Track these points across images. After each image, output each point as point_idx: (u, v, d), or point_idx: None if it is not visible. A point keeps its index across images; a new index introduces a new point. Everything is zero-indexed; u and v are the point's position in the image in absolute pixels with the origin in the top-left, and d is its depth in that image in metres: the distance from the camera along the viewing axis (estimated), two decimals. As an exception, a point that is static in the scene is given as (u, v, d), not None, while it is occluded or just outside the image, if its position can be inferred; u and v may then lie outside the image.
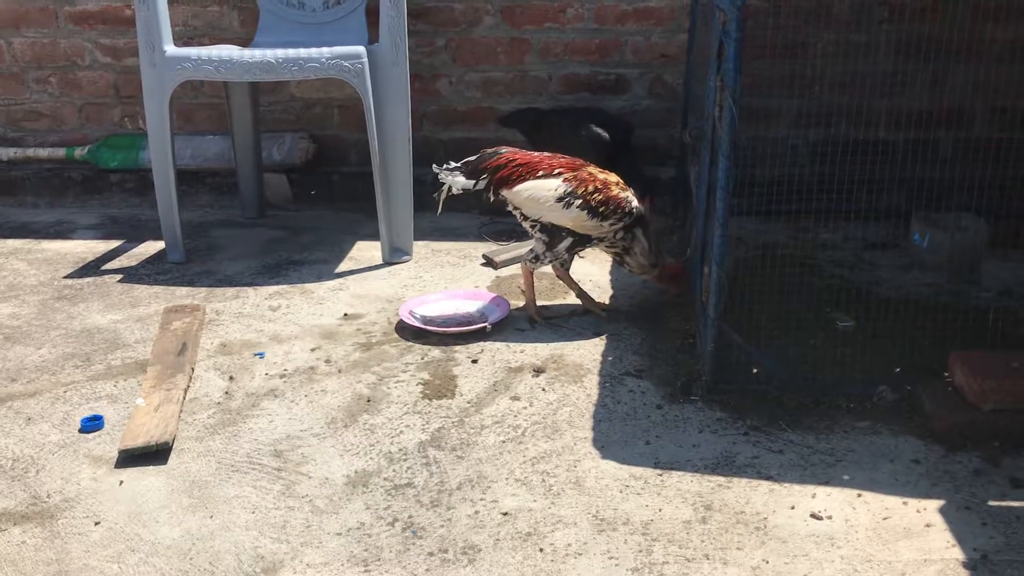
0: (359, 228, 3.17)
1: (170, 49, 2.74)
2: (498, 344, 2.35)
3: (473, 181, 2.47)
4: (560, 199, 2.40)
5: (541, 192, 2.42)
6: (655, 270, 2.51)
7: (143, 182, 3.39)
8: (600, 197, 2.41)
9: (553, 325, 2.45)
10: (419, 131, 3.27)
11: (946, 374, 2.04)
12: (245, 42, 3.15)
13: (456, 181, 2.47)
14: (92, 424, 2.00)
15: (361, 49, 2.72)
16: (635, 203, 2.45)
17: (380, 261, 2.89)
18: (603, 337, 2.38)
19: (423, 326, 2.41)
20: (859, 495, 1.75)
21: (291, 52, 2.70)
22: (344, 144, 3.48)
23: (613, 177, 2.48)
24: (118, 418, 2.03)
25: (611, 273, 2.79)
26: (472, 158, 2.51)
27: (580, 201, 2.39)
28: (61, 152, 3.52)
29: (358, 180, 3.35)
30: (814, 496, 1.74)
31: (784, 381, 2.08)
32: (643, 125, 3.30)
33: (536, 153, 2.53)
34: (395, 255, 2.90)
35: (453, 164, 2.49)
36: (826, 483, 1.78)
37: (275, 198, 3.42)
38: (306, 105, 3.46)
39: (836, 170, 2.73)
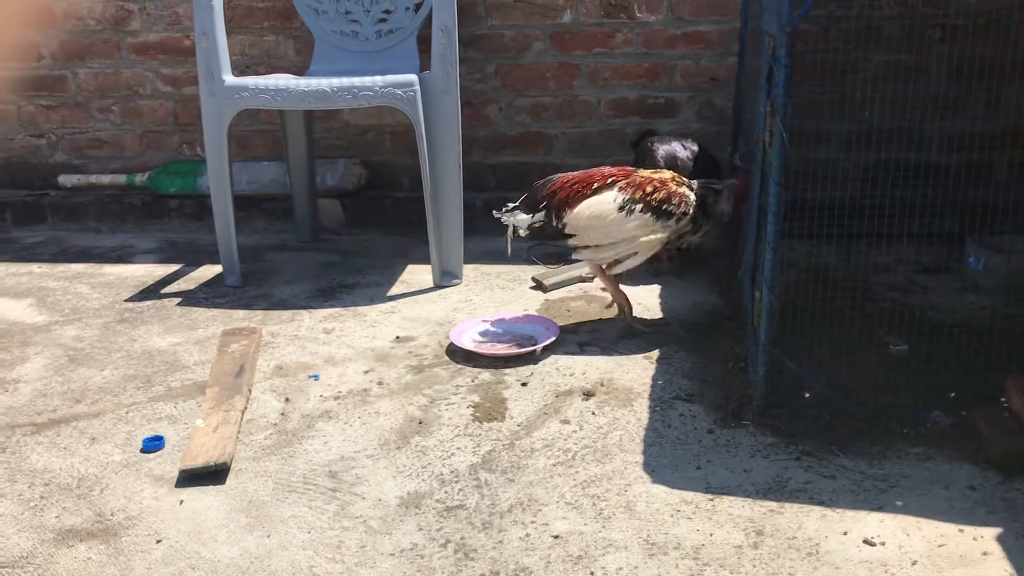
0: (410, 252, 3.22)
1: (229, 79, 2.82)
2: (547, 367, 2.37)
3: (531, 214, 2.49)
4: (621, 207, 2.42)
5: (602, 206, 2.43)
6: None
7: (201, 207, 3.48)
8: (661, 195, 2.43)
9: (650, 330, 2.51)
10: (469, 156, 3.32)
11: (1002, 399, 2.01)
12: (300, 70, 3.23)
13: (518, 220, 2.51)
14: (153, 444, 2.06)
15: (413, 77, 2.77)
16: (693, 196, 2.46)
17: (431, 284, 2.93)
18: (653, 361, 2.39)
19: (474, 349, 2.44)
20: (913, 521, 1.73)
21: (345, 81, 2.76)
22: (396, 169, 3.54)
23: (668, 174, 2.51)
24: (178, 438, 2.09)
25: (660, 296, 2.80)
26: (527, 194, 2.54)
27: (641, 205, 2.42)
28: (122, 179, 3.63)
29: (409, 205, 3.41)
30: (867, 522, 1.73)
31: (836, 406, 2.06)
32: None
33: (589, 170, 2.55)
34: (445, 278, 2.94)
35: (511, 204, 2.52)
36: (879, 509, 1.77)
37: (329, 223, 3.48)
38: (358, 131, 3.53)
39: (889, 193, 2.71)
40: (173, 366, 2.44)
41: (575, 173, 2.54)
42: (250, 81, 2.83)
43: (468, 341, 2.47)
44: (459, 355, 2.44)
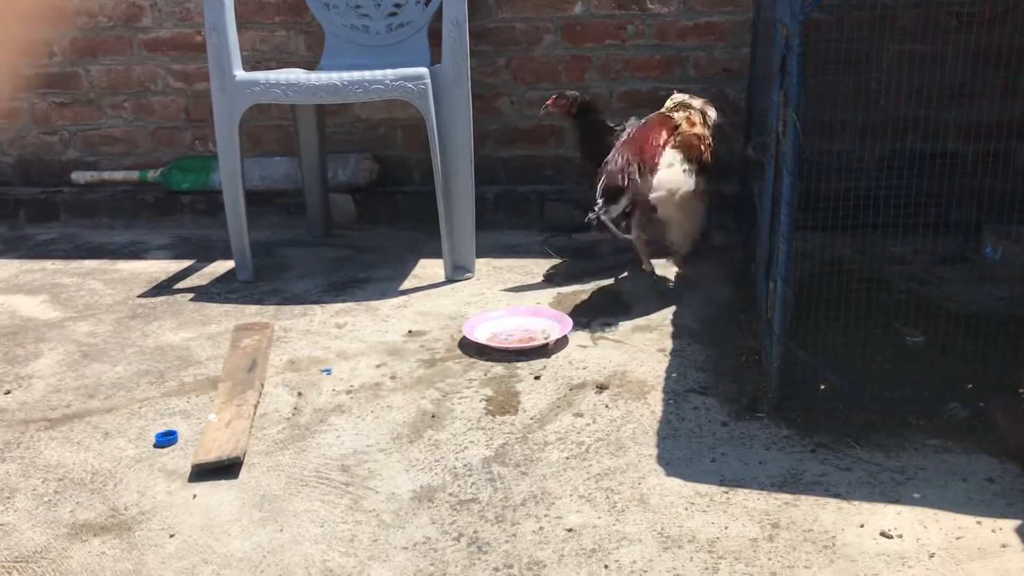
0: (422, 246, 3.21)
1: (240, 74, 2.81)
2: (560, 361, 2.36)
3: (618, 203, 2.45)
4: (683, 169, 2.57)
5: (672, 170, 2.57)
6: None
7: (213, 203, 3.48)
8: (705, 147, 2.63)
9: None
10: (480, 150, 3.31)
11: (1020, 390, 1.99)
12: (311, 65, 3.23)
13: (612, 214, 2.43)
14: (166, 439, 2.06)
15: (424, 70, 2.76)
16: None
17: (443, 279, 2.93)
18: (666, 353, 2.38)
19: (486, 343, 2.43)
20: (931, 514, 1.71)
21: (356, 75, 2.76)
22: (407, 164, 3.53)
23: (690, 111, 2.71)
24: (191, 433, 2.09)
25: (673, 288, 2.78)
26: (602, 188, 2.47)
27: (697, 164, 2.60)
28: (134, 175, 3.64)
29: (421, 199, 3.40)
30: (884, 514, 1.71)
31: (852, 398, 2.04)
32: (705, 140, 3.28)
33: (631, 138, 2.63)
34: (457, 273, 2.93)
35: (598, 205, 2.42)
36: (896, 501, 1.75)
37: (341, 218, 3.48)
38: (370, 126, 3.53)
39: (905, 183, 2.68)
40: (186, 361, 2.44)
41: (624, 147, 2.56)
42: (261, 76, 2.83)
43: (481, 335, 2.47)
44: (471, 349, 2.44)
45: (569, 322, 2.49)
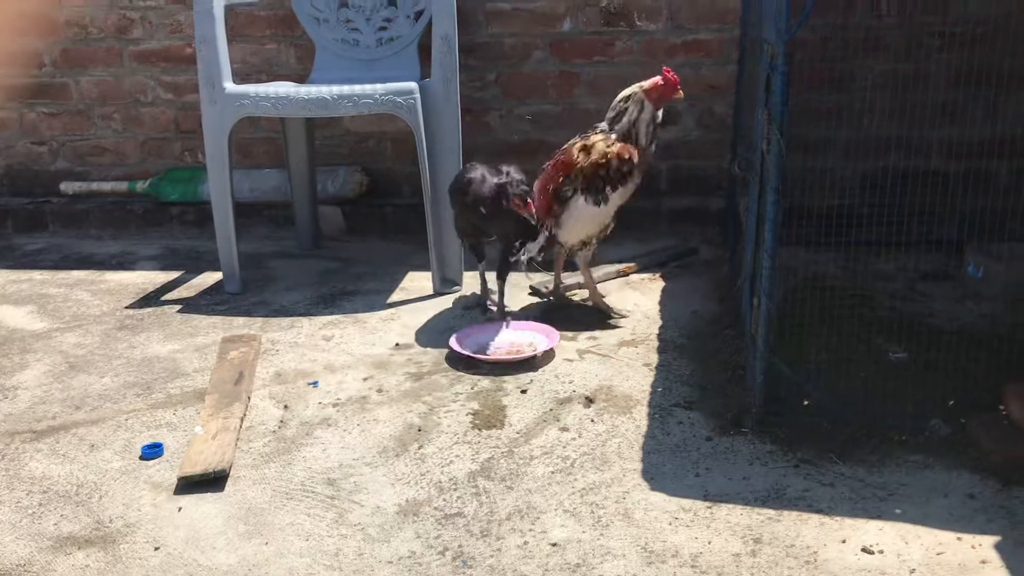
0: (410, 259, 3.22)
1: (229, 86, 2.83)
2: (547, 375, 2.37)
3: (538, 240, 2.64)
4: (596, 203, 2.58)
5: (580, 210, 2.61)
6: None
7: (202, 214, 3.49)
8: (614, 165, 2.56)
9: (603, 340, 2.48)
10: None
11: (1001, 407, 2.01)
12: (301, 78, 3.24)
13: (531, 250, 2.65)
14: (152, 451, 2.06)
15: (413, 85, 2.78)
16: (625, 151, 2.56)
17: (431, 291, 2.94)
18: (652, 367, 2.39)
19: (472, 355, 2.44)
20: (912, 529, 1.73)
21: (346, 88, 2.77)
22: (396, 177, 3.55)
23: (599, 140, 2.59)
24: (177, 446, 2.09)
25: (661, 304, 2.80)
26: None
27: (610, 188, 2.57)
28: (124, 186, 3.64)
29: (410, 212, 3.41)
30: (866, 530, 1.73)
31: (835, 413, 2.06)
32: (693, 156, 3.32)
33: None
34: (445, 286, 2.94)
35: (515, 247, 2.64)
36: (878, 517, 1.76)
37: (329, 230, 3.49)
38: (359, 139, 3.54)
39: (888, 200, 2.71)
40: (173, 373, 2.44)
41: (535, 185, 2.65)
42: (251, 89, 2.84)
43: (468, 348, 2.48)
44: (459, 362, 2.45)
45: (556, 334, 2.51)
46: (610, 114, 2.62)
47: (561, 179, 2.60)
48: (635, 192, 2.64)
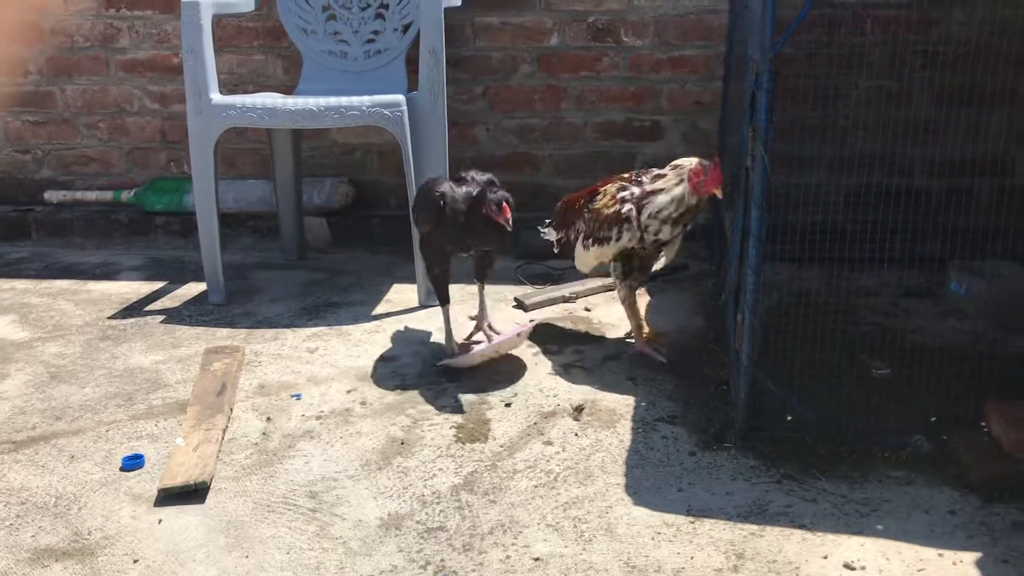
0: (396, 271, 3.22)
1: (216, 97, 2.82)
2: (531, 388, 2.37)
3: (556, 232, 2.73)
4: (584, 245, 2.57)
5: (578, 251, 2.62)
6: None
7: (187, 225, 3.47)
8: (597, 224, 2.49)
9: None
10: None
11: (983, 424, 2.02)
12: (288, 89, 3.24)
13: (550, 235, 2.77)
14: (133, 463, 2.04)
15: (400, 97, 2.78)
16: (631, 208, 2.41)
17: (416, 304, 2.93)
18: (636, 382, 2.39)
19: (452, 363, 2.46)
20: (893, 546, 1.73)
21: (332, 100, 2.77)
22: (383, 189, 3.55)
23: (611, 190, 2.49)
24: (158, 457, 2.07)
25: (645, 318, 2.80)
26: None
27: (591, 239, 2.52)
28: (108, 195, 3.62)
29: (396, 224, 3.41)
30: (848, 546, 1.73)
31: (818, 429, 2.07)
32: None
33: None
34: (431, 298, 2.93)
35: (548, 220, 2.76)
36: (860, 533, 1.77)
37: (315, 241, 3.48)
38: (346, 151, 3.54)
39: (872, 217, 2.72)
40: (155, 384, 2.43)
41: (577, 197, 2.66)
42: (237, 99, 2.83)
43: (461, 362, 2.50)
44: (444, 375, 2.44)
45: (529, 326, 2.57)
46: (658, 171, 2.47)
47: (569, 207, 2.67)
48: (636, 252, 2.48)
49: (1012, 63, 2.82)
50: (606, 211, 2.47)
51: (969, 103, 2.84)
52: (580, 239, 2.58)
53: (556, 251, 2.78)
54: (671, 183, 2.39)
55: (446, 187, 2.44)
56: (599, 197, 2.52)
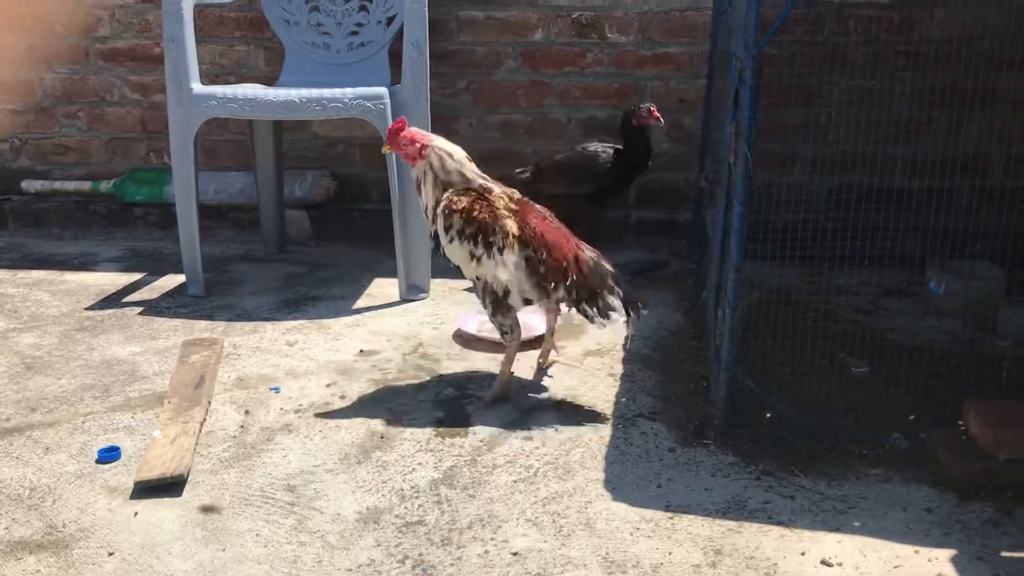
0: (377, 265, 3.21)
1: (197, 87, 2.80)
2: (512, 383, 2.36)
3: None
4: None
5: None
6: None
7: (167, 216, 3.44)
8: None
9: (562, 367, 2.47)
10: (439, 170, 3.31)
11: (960, 422, 2.03)
12: (270, 81, 3.22)
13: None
14: (109, 455, 2.02)
15: (383, 90, 2.77)
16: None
17: (397, 298, 2.92)
18: (617, 378, 2.39)
19: (476, 333, 2.58)
20: (870, 542, 1.74)
21: (315, 92, 2.76)
22: (365, 182, 3.53)
23: (498, 190, 2.26)
24: (135, 449, 2.05)
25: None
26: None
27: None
28: (87, 185, 3.58)
29: (378, 217, 3.39)
30: (825, 543, 1.74)
31: (797, 426, 2.08)
32: (662, 168, 3.33)
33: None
34: (412, 292, 2.93)
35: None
36: (837, 530, 1.77)
37: (296, 234, 3.46)
38: (328, 143, 3.52)
39: (852, 216, 2.73)
40: (132, 376, 2.41)
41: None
42: (218, 90, 2.81)
43: (471, 326, 2.60)
44: (424, 370, 2.44)
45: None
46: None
47: None
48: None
49: (992, 64, 2.85)
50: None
51: (949, 104, 2.86)
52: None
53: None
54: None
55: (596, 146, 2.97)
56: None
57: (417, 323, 2.75)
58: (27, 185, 3.62)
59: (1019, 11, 2.77)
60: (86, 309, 2.86)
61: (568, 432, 2.13)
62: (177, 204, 2.89)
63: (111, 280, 3.11)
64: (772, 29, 1.83)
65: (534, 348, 2.48)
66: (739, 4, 2.07)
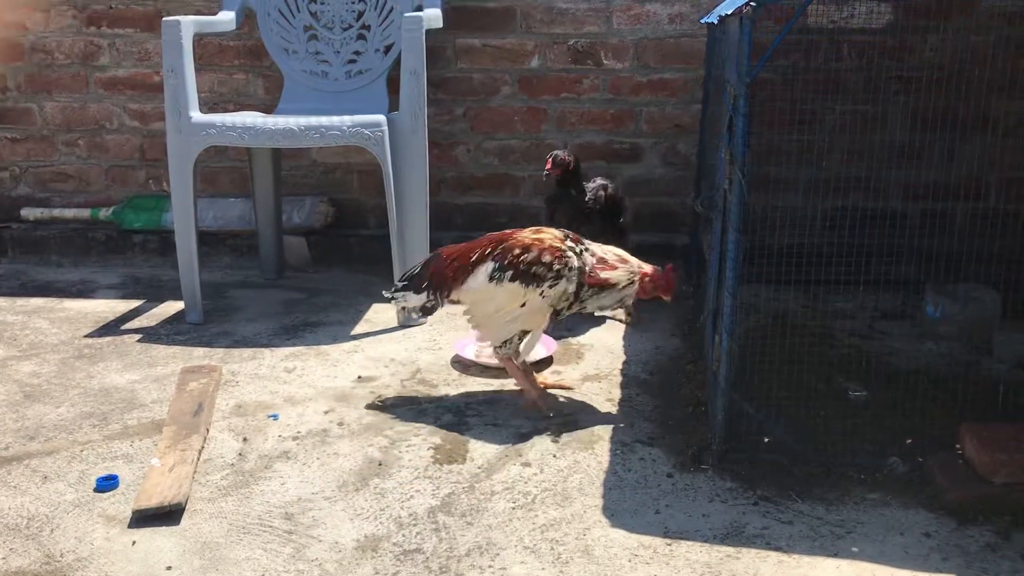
0: (375, 290, 3.21)
1: (196, 115, 2.82)
2: (509, 409, 2.36)
3: (422, 295, 2.31)
4: (491, 278, 2.26)
5: (476, 280, 2.27)
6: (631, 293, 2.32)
7: (165, 243, 3.46)
8: (530, 256, 2.24)
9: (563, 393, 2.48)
10: (436, 196, 3.33)
11: (957, 446, 2.03)
12: (269, 108, 3.24)
13: (409, 300, 2.34)
14: (107, 484, 2.02)
15: (381, 118, 2.79)
16: (576, 259, 2.24)
17: (395, 324, 2.93)
18: (615, 403, 2.39)
19: (475, 359, 2.59)
20: (869, 568, 1.73)
21: (313, 120, 2.78)
22: (363, 208, 3.55)
23: (552, 232, 2.30)
24: (133, 478, 2.05)
25: (625, 339, 2.81)
26: (412, 269, 2.39)
27: (511, 272, 2.24)
28: (86, 213, 3.60)
29: (376, 243, 3.41)
30: (823, 568, 1.73)
31: (795, 451, 2.08)
32: (657, 193, 3.35)
33: (471, 241, 2.37)
34: (410, 318, 2.94)
35: (399, 283, 2.37)
36: (835, 555, 1.77)
37: (294, 260, 3.47)
38: (326, 170, 3.54)
39: (849, 240, 2.75)
40: (131, 404, 2.41)
41: (457, 246, 2.36)
42: (217, 118, 2.83)
43: (470, 353, 2.61)
44: (422, 396, 2.44)
45: (553, 343, 2.61)
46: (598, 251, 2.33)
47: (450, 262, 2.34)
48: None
49: (985, 90, 2.87)
50: (547, 241, 2.25)
51: (944, 128, 2.88)
52: (487, 270, 2.26)
53: (416, 316, 2.63)
54: (621, 278, 2.29)
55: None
56: (525, 232, 2.30)
57: (415, 348, 2.76)
58: (27, 213, 3.63)
59: (1006, 40, 2.80)
60: (85, 336, 2.86)
61: (566, 458, 2.13)
62: (176, 231, 2.90)
63: (110, 307, 3.12)
64: (764, 58, 1.85)
65: (537, 371, 2.49)
66: (732, 32, 2.09)
